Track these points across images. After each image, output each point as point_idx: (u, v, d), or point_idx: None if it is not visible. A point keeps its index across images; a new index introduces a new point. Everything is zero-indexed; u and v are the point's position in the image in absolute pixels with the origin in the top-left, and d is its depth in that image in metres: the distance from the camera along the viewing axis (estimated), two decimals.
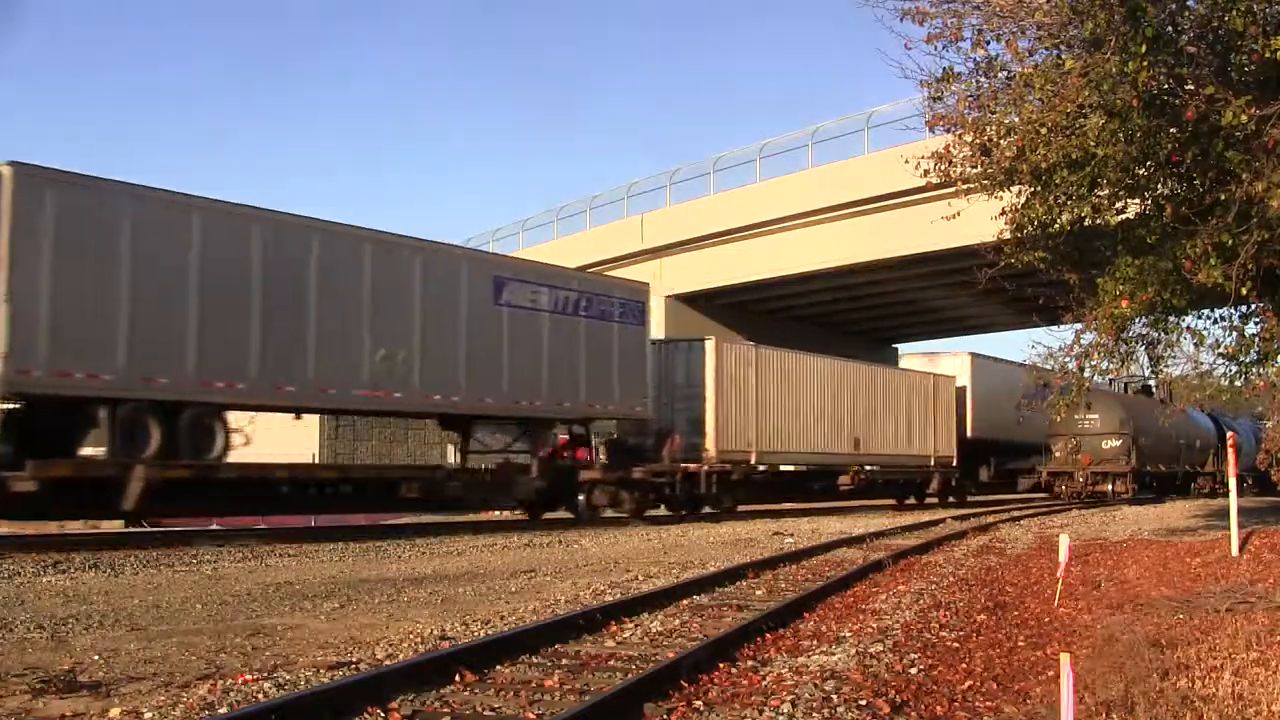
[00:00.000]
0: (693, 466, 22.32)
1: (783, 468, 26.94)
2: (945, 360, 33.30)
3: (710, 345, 23.24)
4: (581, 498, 20.53)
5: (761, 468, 25.00)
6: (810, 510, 26.07)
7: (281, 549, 13.88)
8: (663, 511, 22.75)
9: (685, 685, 5.70)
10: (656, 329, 27.06)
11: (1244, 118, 9.45)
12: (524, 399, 19.27)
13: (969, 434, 32.05)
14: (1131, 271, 11.94)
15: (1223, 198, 10.61)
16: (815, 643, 7.19)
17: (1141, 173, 11.34)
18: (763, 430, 24.44)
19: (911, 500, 30.95)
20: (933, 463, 30.67)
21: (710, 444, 22.81)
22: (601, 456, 21.42)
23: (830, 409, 26.95)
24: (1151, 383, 33.53)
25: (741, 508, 24.69)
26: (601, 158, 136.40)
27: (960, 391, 32.11)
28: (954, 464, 31.48)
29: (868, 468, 28.28)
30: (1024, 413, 30.96)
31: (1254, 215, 10.28)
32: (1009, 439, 32.90)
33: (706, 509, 23.18)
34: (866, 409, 28.24)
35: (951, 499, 31.86)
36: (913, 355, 34.55)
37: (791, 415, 25.53)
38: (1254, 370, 13.13)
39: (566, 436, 21.85)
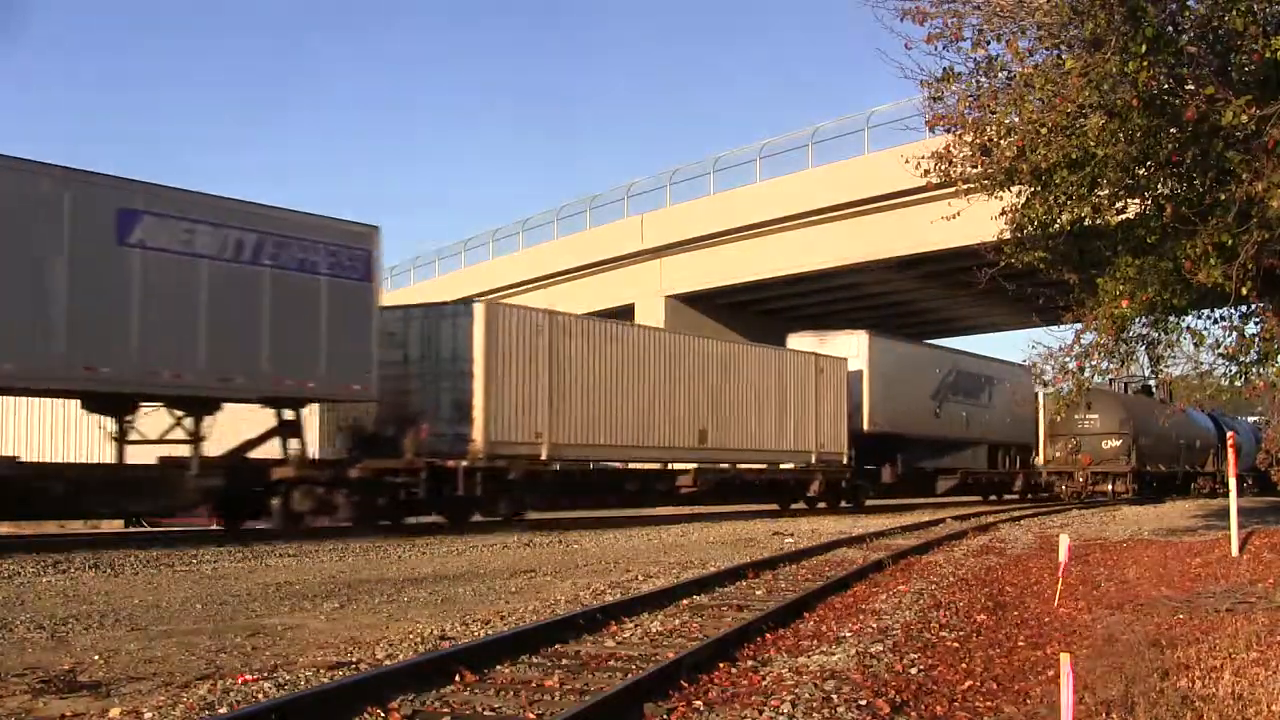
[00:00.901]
0: (450, 462, 17.71)
1: (594, 465, 22.52)
2: (837, 340, 27.95)
3: (480, 310, 18.65)
4: (276, 502, 16.14)
5: (556, 465, 19.93)
6: (633, 519, 21.39)
7: (281, 549, 13.88)
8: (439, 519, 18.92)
9: (685, 685, 5.70)
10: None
11: (1244, 118, 9.44)
12: (166, 370, 14.66)
13: (866, 427, 27.05)
14: (1131, 271, 11.94)
15: (1223, 198, 10.61)
16: (815, 643, 7.19)
17: (1141, 173, 11.34)
18: (560, 418, 19.47)
19: (806, 504, 26.50)
20: (814, 460, 25.66)
21: (477, 433, 18.03)
22: (326, 449, 17.68)
23: (664, 394, 21.86)
24: (1151, 383, 33.57)
25: (549, 515, 20.53)
26: (601, 158, 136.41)
27: (854, 377, 27.05)
28: (845, 462, 26.50)
29: (719, 466, 23.40)
30: (940, 404, 29.63)
31: (1254, 215, 10.28)
32: (923, 434, 29.38)
33: (477, 516, 18.83)
34: (717, 395, 23.12)
35: (846, 503, 27.09)
36: (803, 334, 28.77)
37: (604, 400, 20.47)
38: (1254, 370, 13.13)
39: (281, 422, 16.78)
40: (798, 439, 25.56)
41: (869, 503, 28.00)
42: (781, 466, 25.82)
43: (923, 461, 30.36)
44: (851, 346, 27.66)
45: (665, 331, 23.63)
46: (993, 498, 34.86)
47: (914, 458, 29.67)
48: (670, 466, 22.66)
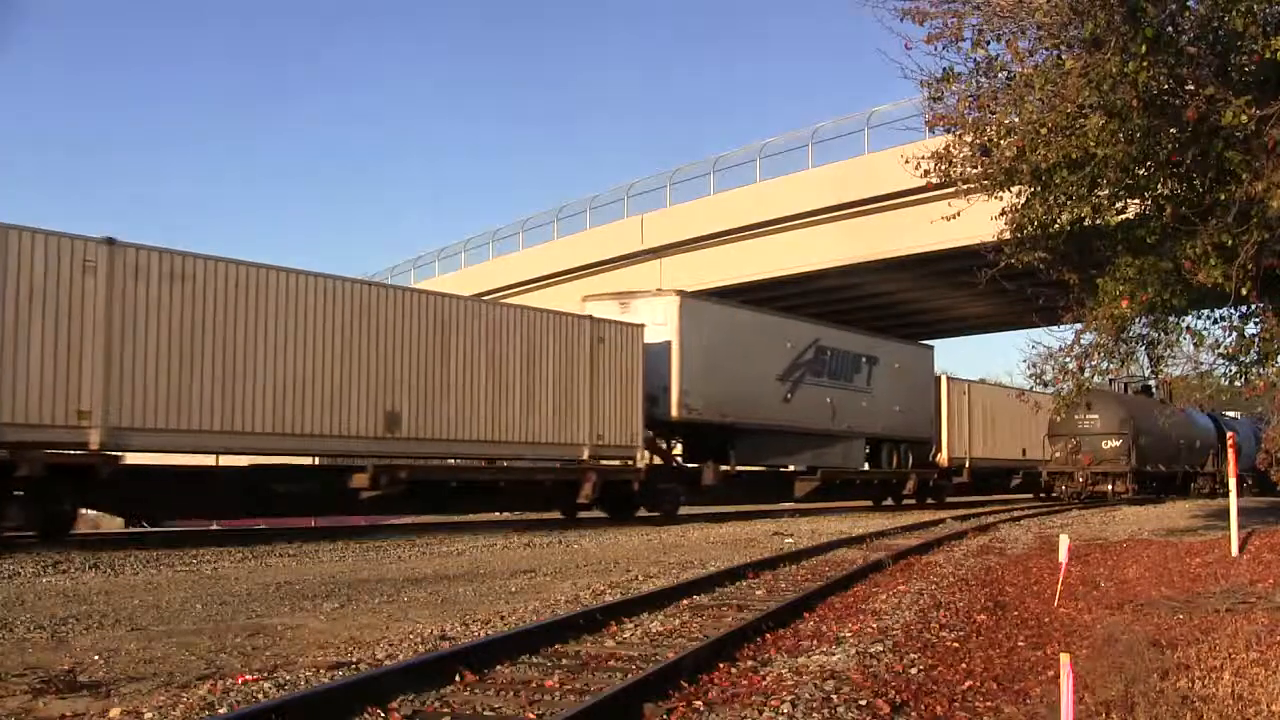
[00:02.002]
0: None
1: (180, 460, 16.06)
2: (641, 304, 22.26)
3: None
4: None
5: (118, 460, 14.06)
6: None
7: (281, 549, 13.88)
8: None
9: (685, 685, 5.70)
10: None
11: (1244, 118, 9.45)
12: None
13: (674, 414, 21.38)
14: (1131, 271, 11.95)
15: (1223, 198, 10.61)
16: (815, 643, 7.19)
17: (1141, 173, 11.34)
18: (125, 390, 13.74)
19: (565, 514, 21.26)
20: (586, 456, 19.91)
21: None
22: None
23: (322, 361, 15.98)
24: (1151, 383, 33.59)
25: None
26: (601, 158, 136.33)
27: (658, 350, 21.30)
28: (638, 459, 20.91)
29: (420, 461, 17.62)
30: (793, 387, 24.33)
31: (1254, 215, 10.28)
32: (766, 424, 23.80)
33: None
34: (423, 366, 17.40)
35: (648, 511, 21.68)
36: (602, 298, 23.08)
37: (212, 367, 14.61)
38: (1254, 370, 13.13)
39: None
40: (559, 428, 19.49)
41: (709, 510, 23.88)
42: (532, 463, 19.84)
43: (771, 459, 25.28)
44: (658, 311, 21.74)
45: (321, 276, 16.21)
46: (889, 501, 30.18)
47: (757, 454, 24.35)
48: (340, 462, 17.14)
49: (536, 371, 19.26)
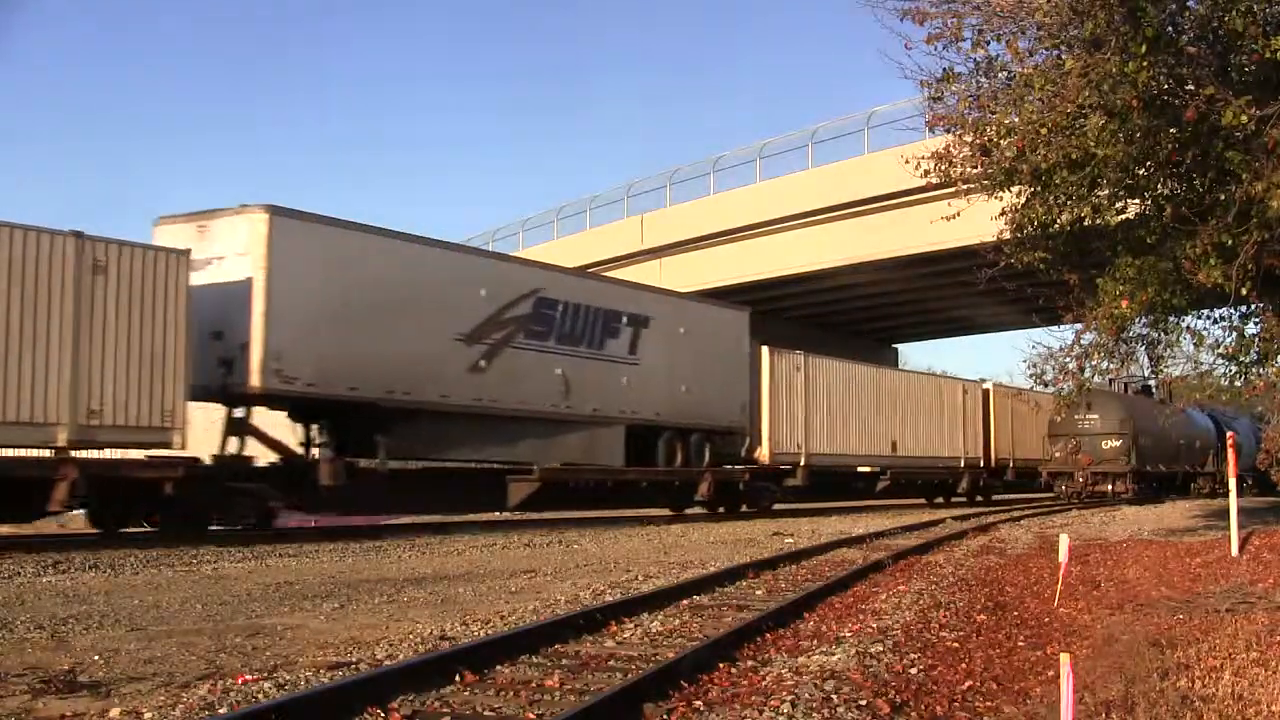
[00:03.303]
0: None
1: None
2: (220, 226, 15.66)
3: None
4: None
5: None
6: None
7: (281, 549, 13.88)
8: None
9: (685, 685, 5.70)
10: None
11: (1244, 118, 9.45)
12: None
13: (254, 382, 15.14)
14: (1131, 271, 11.95)
15: (1223, 198, 10.62)
16: (815, 643, 7.19)
17: (1141, 173, 11.35)
18: None
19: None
20: (65, 439, 13.40)
21: None
22: None
23: None
24: (1151, 383, 33.58)
25: None
26: (601, 158, 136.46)
27: (235, 292, 15.19)
28: (175, 443, 14.50)
29: None
30: (492, 352, 17.68)
31: (1254, 215, 10.29)
32: (438, 403, 17.29)
33: None
34: None
35: (220, 527, 15.81)
36: (176, 220, 15.96)
37: None
38: (1254, 370, 13.14)
39: None
40: (30, 403, 13.11)
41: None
42: None
43: (457, 451, 18.26)
44: (239, 236, 15.45)
45: None
46: (701, 509, 23.97)
47: (434, 444, 17.76)
48: None
49: None
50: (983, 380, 35.37)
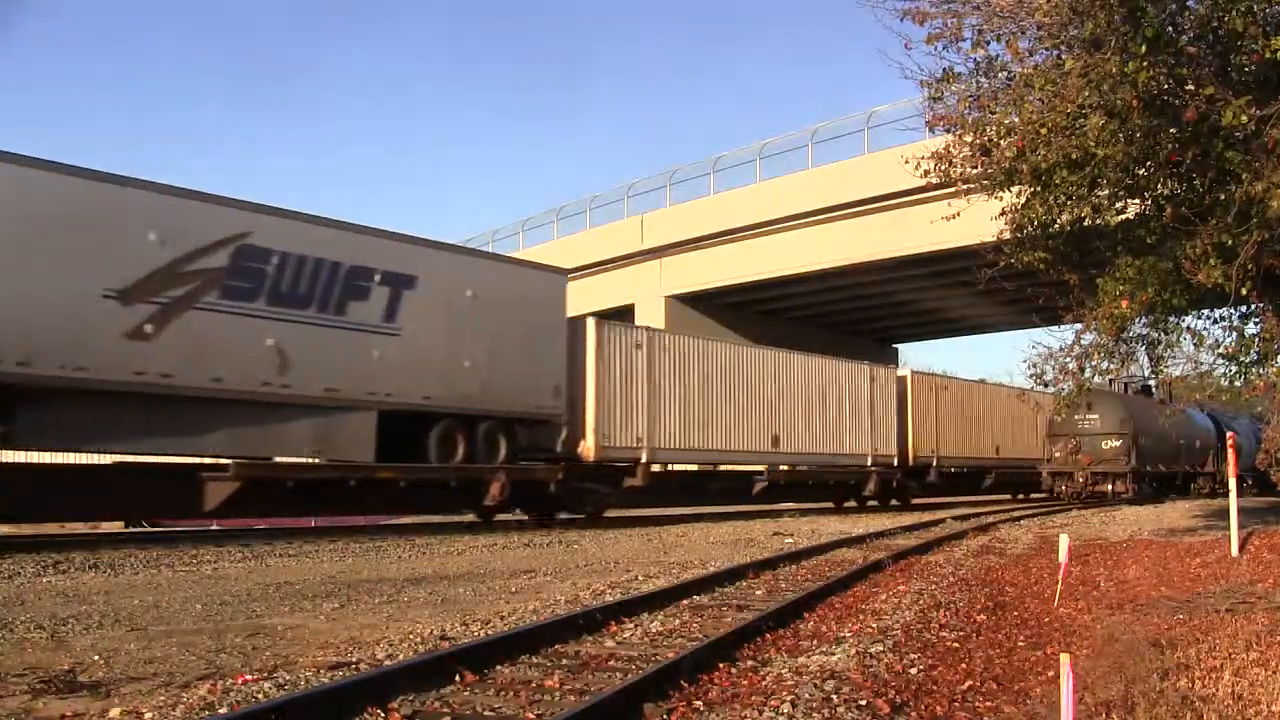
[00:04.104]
0: None
1: None
2: None
3: None
4: None
5: None
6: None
7: (281, 549, 13.88)
8: None
9: (685, 685, 5.70)
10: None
11: (1244, 118, 9.44)
12: None
13: None
14: (1131, 272, 11.94)
15: (1223, 198, 10.61)
16: (815, 643, 7.19)
17: (1141, 173, 11.34)
18: None
19: None
20: None
21: None
22: None
23: None
24: (1151, 383, 33.56)
25: None
26: (601, 158, 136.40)
27: None
28: None
29: None
30: (163, 314, 13.68)
31: (1254, 215, 10.28)
32: (77, 377, 13.20)
33: None
34: None
35: None
36: None
37: None
38: (1254, 370, 13.13)
39: None
40: None
41: None
42: None
43: (120, 441, 14.37)
44: None
45: None
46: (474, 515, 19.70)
47: (80, 431, 13.70)
48: None
49: None
50: (893, 365, 31.61)
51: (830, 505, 28.42)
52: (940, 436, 30.65)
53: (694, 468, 24.39)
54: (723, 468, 24.51)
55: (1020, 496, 35.77)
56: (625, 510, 22.50)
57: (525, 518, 20.43)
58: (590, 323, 20.18)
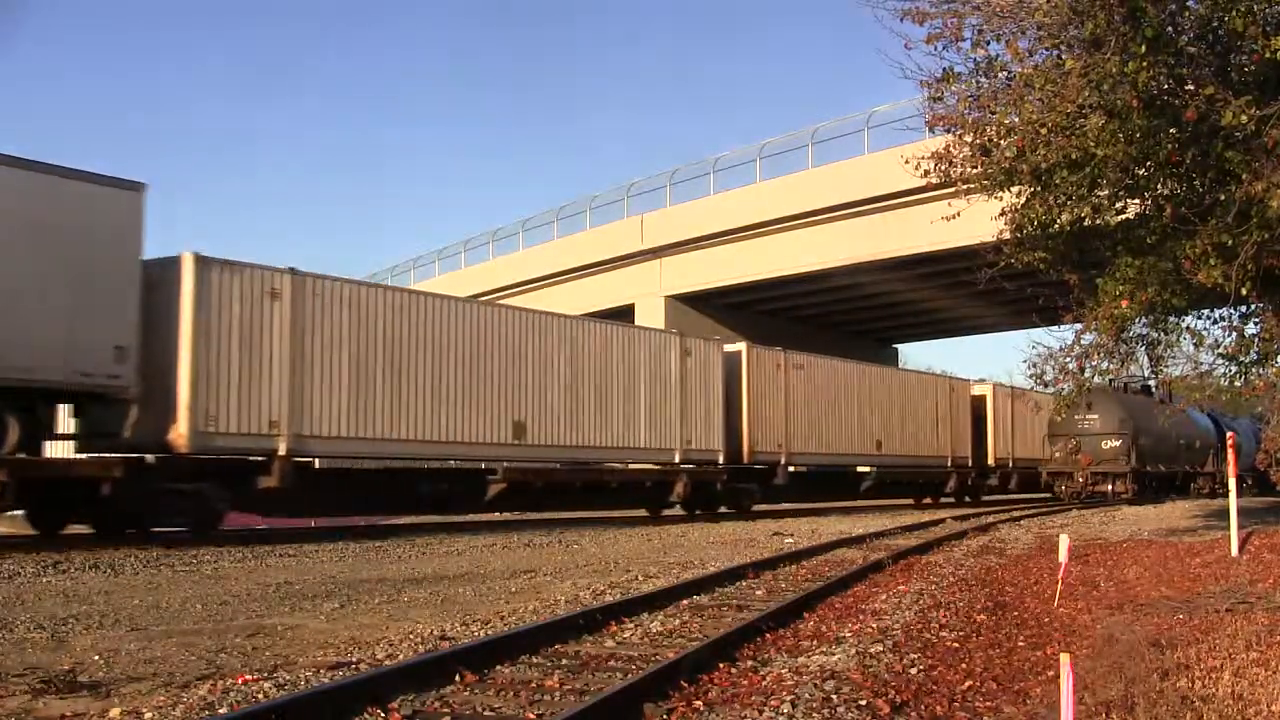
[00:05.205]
0: None
1: None
2: None
3: None
4: None
5: None
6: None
7: (281, 549, 13.88)
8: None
9: (685, 685, 5.70)
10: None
11: (1244, 118, 9.44)
12: None
13: None
14: (1131, 272, 11.94)
15: (1223, 198, 10.60)
16: (815, 643, 7.19)
17: (1141, 173, 11.34)
18: None
19: None
20: None
21: None
22: None
23: None
24: (1151, 383, 33.52)
25: None
26: (601, 158, 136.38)
27: None
28: None
29: None
30: None
31: (1254, 215, 10.28)
32: None
33: None
34: None
35: None
36: None
37: None
38: (1254, 370, 13.13)
39: None
40: None
41: None
42: None
43: None
44: None
45: None
46: None
47: None
48: None
49: None
50: (675, 331, 24.69)
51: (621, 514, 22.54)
52: (767, 423, 24.41)
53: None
54: (423, 464, 18.26)
55: (927, 501, 31.72)
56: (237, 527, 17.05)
57: (90, 531, 14.94)
58: (187, 260, 14.58)
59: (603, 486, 21.17)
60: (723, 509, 23.83)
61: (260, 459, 15.49)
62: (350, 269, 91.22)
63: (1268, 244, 10.57)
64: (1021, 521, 22.05)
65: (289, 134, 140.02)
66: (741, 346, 24.29)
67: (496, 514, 20.76)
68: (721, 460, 22.99)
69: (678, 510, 22.97)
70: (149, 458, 14.70)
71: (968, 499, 33.05)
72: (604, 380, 20.66)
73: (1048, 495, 33.87)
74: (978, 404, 33.49)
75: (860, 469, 28.15)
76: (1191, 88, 10.05)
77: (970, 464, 32.36)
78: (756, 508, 24.72)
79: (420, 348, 17.53)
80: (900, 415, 29.35)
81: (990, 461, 33.45)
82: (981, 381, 35.17)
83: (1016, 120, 10.98)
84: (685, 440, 22.17)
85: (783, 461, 24.81)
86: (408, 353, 17.32)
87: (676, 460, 22.03)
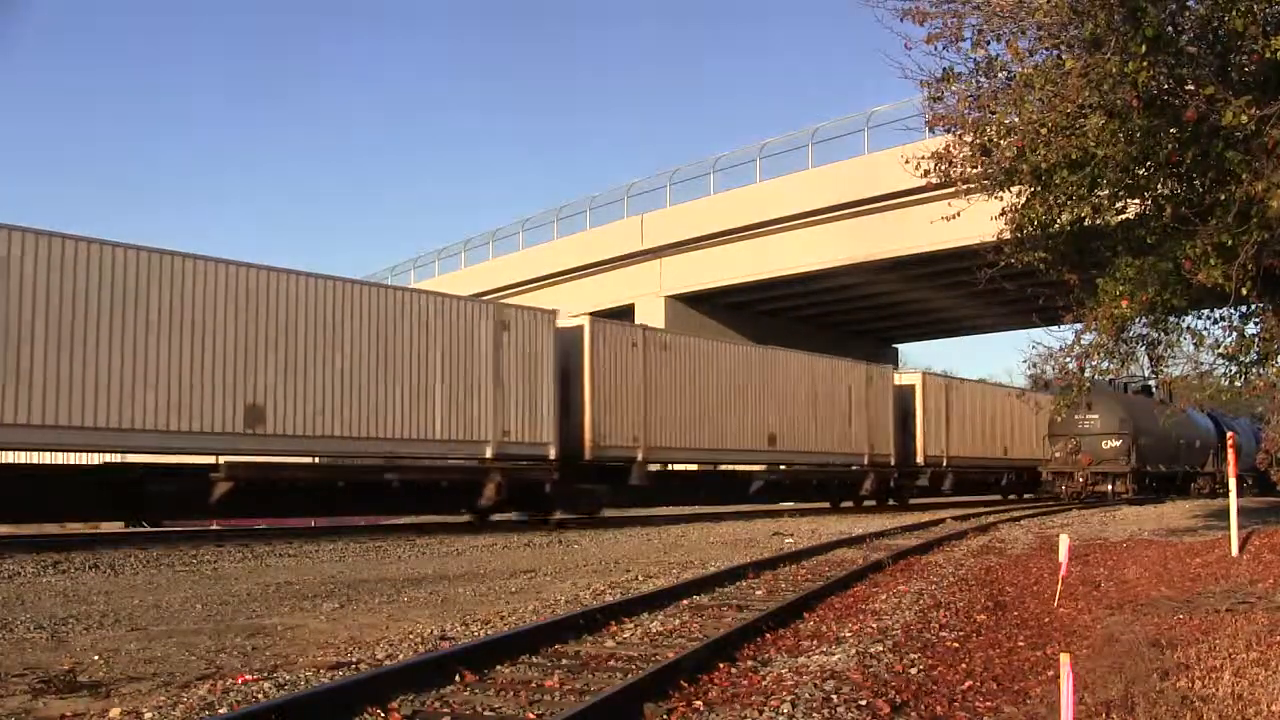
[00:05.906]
0: None
1: None
2: None
3: None
4: None
5: None
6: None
7: (281, 549, 13.88)
8: None
9: (685, 685, 5.70)
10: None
11: (1244, 118, 9.44)
12: None
13: None
14: (1131, 271, 11.93)
15: (1223, 198, 10.60)
16: (815, 643, 7.19)
17: (1141, 173, 11.33)
18: None
19: None
20: None
21: None
22: None
23: None
24: (1151, 383, 33.53)
25: None
26: (601, 158, 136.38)
27: None
28: None
29: None
30: None
31: (1254, 215, 10.27)
32: None
33: None
34: None
35: None
36: None
37: None
38: (1254, 370, 13.12)
39: None
40: None
41: None
42: None
43: None
44: None
45: None
46: None
47: None
48: None
49: None
50: (490, 300, 21.79)
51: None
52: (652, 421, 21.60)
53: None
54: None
55: (847, 504, 28.93)
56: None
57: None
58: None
59: (381, 487, 17.30)
60: (559, 515, 20.14)
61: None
62: (350, 269, 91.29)
63: (1268, 244, 10.56)
64: (1021, 521, 22.05)
65: (282, 132, 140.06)
66: (584, 320, 20.49)
67: (214, 524, 17.05)
68: (553, 455, 19.36)
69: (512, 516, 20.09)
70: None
71: (891, 501, 29.23)
72: (388, 358, 16.78)
73: (997, 498, 33.32)
74: (905, 395, 29.53)
75: (747, 467, 24.79)
76: (1191, 88, 10.04)
77: (893, 462, 28.49)
78: (606, 513, 21.31)
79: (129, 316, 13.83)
80: (804, 407, 25.51)
81: (920, 460, 29.63)
82: (911, 371, 31.84)
83: (1016, 120, 10.97)
84: (502, 431, 18.53)
85: (640, 458, 20.99)
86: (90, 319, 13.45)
87: (489, 455, 18.40)
